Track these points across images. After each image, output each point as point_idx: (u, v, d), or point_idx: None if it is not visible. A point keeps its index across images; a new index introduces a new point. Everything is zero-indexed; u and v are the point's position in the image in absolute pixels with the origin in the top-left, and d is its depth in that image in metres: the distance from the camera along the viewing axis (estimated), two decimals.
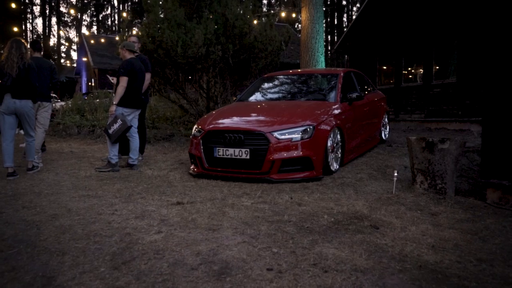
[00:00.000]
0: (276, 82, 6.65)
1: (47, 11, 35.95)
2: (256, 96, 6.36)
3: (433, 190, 4.33)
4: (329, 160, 5.09)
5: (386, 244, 2.88)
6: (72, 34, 44.86)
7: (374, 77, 13.62)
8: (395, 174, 4.47)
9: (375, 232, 3.13)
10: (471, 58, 10.21)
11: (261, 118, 5.18)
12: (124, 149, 6.59)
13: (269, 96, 6.32)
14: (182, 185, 4.76)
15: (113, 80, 6.14)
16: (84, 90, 28.23)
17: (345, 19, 41.71)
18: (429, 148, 4.31)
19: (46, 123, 6.32)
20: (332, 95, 5.85)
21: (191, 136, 5.50)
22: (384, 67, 13.98)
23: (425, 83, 11.77)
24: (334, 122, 5.23)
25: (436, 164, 4.29)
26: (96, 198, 4.18)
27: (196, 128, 5.42)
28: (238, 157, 4.84)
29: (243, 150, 4.80)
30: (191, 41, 7.14)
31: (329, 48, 38.78)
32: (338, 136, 5.40)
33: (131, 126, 5.74)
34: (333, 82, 6.11)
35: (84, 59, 28.41)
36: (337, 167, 5.37)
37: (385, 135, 7.75)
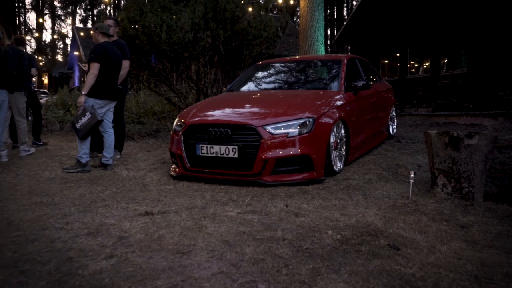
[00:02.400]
0: (271, 70, 5.88)
1: (40, 4, 35.01)
2: (249, 86, 5.60)
3: (458, 195, 3.58)
4: (332, 158, 4.34)
5: (413, 274, 2.13)
6: (67, 29, 43.93)
7: (377, 69, 12.85)
8: (412, 175, 3.72)
9: (396, 255, 2.38)
10: (483, 46, 9.43)
11: (253, 109, 4.42)
12: (100, 146, 5.84)
13: (263, 85, 5.55)
14: (158, 189, 4.01)
15: (85, 67, 5.37)
16: (76, 84, 27.40)
17: (345, 12, 40.83)
18: (454, 144, 3.55)
19: (23, 112, 6.14)
20: (335, 83, 5.09)
21: (171, 132, 4.74)
22: (388, 58, 13.20)
23: (432, 75, 11.00)
24: (337, 115, 4.48)
25: (462, 164, 3.54)
26: (50, 207, 3.42)
27: (177, 122, 4.66)
28: (225, 155, 4.08)
29: (230, 147, 4.05)
30: (177, 25, 6.36)
31: (329, 42, 37.94)
32: (342, 131, 4.65)
33: (102, 120, 4.98)
34: (335, 70, 5.35)
35: (76, 53, 27.52)
36: (341, 166, 4.62)
37: (392, 130, 7.00)
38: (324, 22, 10.59)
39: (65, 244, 2.56)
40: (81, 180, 4.49)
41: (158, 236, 2.68)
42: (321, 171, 4.18)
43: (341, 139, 4.63)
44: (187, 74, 7.41)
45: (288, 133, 4.02)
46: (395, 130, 7.17)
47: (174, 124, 4.72)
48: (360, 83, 5.08)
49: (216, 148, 4.11)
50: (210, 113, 4.48)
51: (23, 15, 35.51)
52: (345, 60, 5.45)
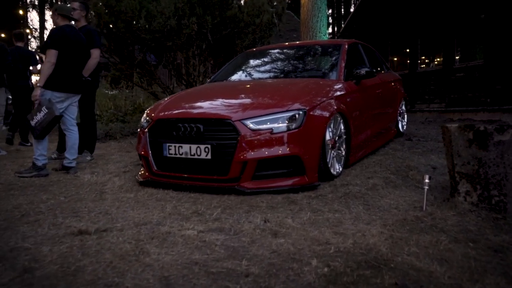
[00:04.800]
0: (262, 58, 5.12)
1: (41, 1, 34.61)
2: (234, 76, 4.85)
3: (485, 206, 2.80)
4: (328, 159, 3.58)
5: None
6: None
7: (386, 61, 12.03)
8: (426, 180, 2.95)
9: None
10: (502, 35, 8.57)
11: (232, 101, 3.67)
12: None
13: (251, 75, 4.80)
14: (114, 199, 3.29)
15: (44, 57, 4.67)
16: None
17: (352, 9, 39.83)
18: (480, 141, 2.78)
19: (1, 110, 5.92)
20: (333, 71, 4.32)
21: (138, 129, 4.02)
22: (397, 51, 12.36)
23: (445, 67, 10.15)
24: (335, 107, 3.71)
25: (490, 166, 2.77)
26: None
27: (144, 117, 3.94)
28: (196, 156, 3.34)
29: (202, 146, 3.31)
30: (157, 10, 5.64)
31: (336, 38, 37.03)
32: (342, 126, 3.89)
33: (60, 116, 4.27)
34: (334, 56, 4.58)
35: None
36: (340, 169, 3.86)
37: (402, 127, 6.21)
38: (326, 12, 9.80)
39: None
40: (30, 187, 3.79)
41: (76, 268, 1.95)
42: (314, 175, 3.42)
43: (340, 137, 3.87)
44: (173, 66, 6.68)
45: (272, 128, 3.27)
46: (405, 126, 6.38)
47: (141, 120, 4.00)
48: (363, 71, 4.31)
49: (185, 147, 3.38)
50: (182, 106, 3.74)
51: (27, 13, 35.11)
52: (346, 45, 4.67)
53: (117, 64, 6.98)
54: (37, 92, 4.18)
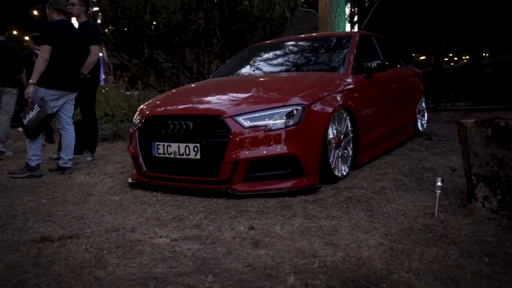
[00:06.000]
0: (267, 52, 4.83)
1: None
2: (237, 71, 4.57)
3: (506, 213, 2.43)
4: (331, 160, 3.26)
5: None
6: None
7: (410, 59, 11.49)
8: (439, 183, 2.59)
9: None
10: None
11: (227, 96, 3.39)
12: (81, 147, 5.03)
13: (255, 69, 4.51)
14: (97, 202, 3.07)
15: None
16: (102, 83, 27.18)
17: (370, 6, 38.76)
18: (500, 138, 2.41)
19: (10, 110, 5.86)
20: (340, 64, 3.98)
21: (131, 129, 3.79)
22: (421, 47, 11.81)
23: (472, 63, 9.57)
24: (340, 101, 3.39)
25: None
26: None
27: (136, 115, 3.71)
28: (185, 156, 3.08)
29: (191, 145, 3.05)
30: (162, 5, 5.43)
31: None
32: (348, 123, 3.55)
33: (53, 114, 4.10)
34: (343, 48, 4.23)
35: (100, 54, 27.23)
36: (346, 170, 3.52)
37: (422, 125, 5.78)
38: (345, 7, 9.42)
39: None
40: (18, 188, 3.62)
41: (17, 282, 1.71)
42: (315, 177, 3.10)
43: (346, 135, 3.53)
44: (181, 64, 6.46)
45: (266, 125, 2.97)
46: (425, 125, 5.94)
47: (134, 118, 3.78)
48: (374, 64, 3.95)
49: (174, 146, 3.13)
50: (174, 102, 3.49)
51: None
52: (356, 37, 4.32)
53: (135, 65, 6.81)
54: (29, 90, 4.03)
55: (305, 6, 32.43)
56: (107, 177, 4.02)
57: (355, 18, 35.77)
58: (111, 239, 2.21)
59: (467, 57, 10.02)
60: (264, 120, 3.00)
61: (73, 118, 4.47)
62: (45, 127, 4.10)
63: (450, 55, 10.89)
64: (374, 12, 12.69)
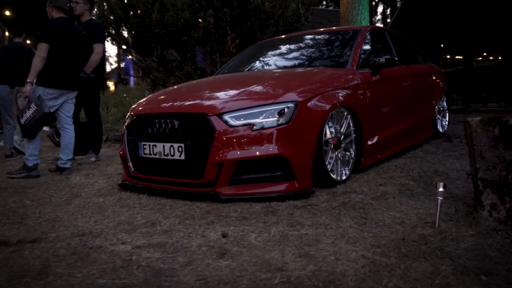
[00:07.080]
0: (273, 49, 4.61)
1: None
2: (239, 68, 4.37)
3: None
4: (327, 162, 3.00)
5: None
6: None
7: (438, 58, 10.96)
8: (440, 189, 2.29)
9: None
10: None
11: (217, 94, 3.19)
12: (83, 148, 4.98)
13: (256, 66, 4.30)
14: (79, 204, 2.94)
15: None
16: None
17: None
18: (508, 138, 2.11)
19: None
20: (344, 59, 3.71)
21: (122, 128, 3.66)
22: (450, 46, 11.24)
23: (505, 61, 9.00)
24: (339, 99, 3.13)
25: None
26: None
27: (128, 114, 3.58)
28: (170, 157, 2.91)
29: (176, 145, 2.87)
30: (170, 3, 5.31)
31: None
32: (350, 123, 3.29)
33: (50, 114, 4.03)
34: (349, 43, 3.96)
35: (129, 56, 27.73)
36: (347, 174, 3.25)
37: (442, 127, 5.40)
38: (368, 4, 9.05)
39: None
40: (10, 188, 3.56)
41: None
42: (307, 181, 2.86)
43: (347, 135, 3.27)
44: (192, 63, 6.32)
45: (254, 124, 2.76)
46: (446, 126, 5.54)
47: (126, 117, 3.65)
48: (383, 59, 3.66)
49: (159, 146, 2.96)
50: (164, 100, 3.33)
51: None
52: (365, 32, 4.04)
53: (157, 68, 6.74)
54: (27, 89, 3.97)
55: (334, 6, 31.87)
56: (103, 178, 3.92)
57: (388, 20, 34.87)
58: (71, 245, 2.05)
59: (499, 57, 9.45)
60: (253, 118, 2.79)
61: (79, 119, 4.41)
62: (42, 127, 4.03)
63: (484, 54, 10.31)
64: (401, 11, 12.23)
